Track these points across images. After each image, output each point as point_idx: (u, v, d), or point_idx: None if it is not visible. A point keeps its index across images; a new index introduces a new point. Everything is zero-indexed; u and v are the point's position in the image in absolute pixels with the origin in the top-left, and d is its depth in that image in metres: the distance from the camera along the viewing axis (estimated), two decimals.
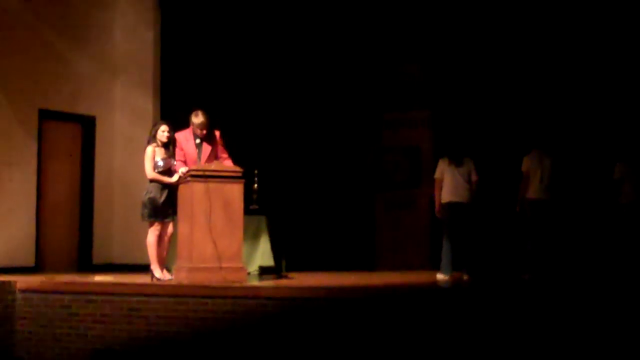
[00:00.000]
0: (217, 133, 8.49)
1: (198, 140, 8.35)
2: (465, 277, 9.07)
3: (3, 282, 8.04)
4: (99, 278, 8.92)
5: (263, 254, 9.70)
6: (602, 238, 10.23)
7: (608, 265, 9.66)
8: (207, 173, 7.85)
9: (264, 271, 9.44)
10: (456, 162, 9.26)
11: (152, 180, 8.20)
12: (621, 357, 6.16)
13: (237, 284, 7.60)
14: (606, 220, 9.91)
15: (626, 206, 9.40)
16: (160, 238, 8.23)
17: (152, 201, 8.13)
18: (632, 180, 9.41)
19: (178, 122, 8.53)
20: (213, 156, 8.37)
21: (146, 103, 11.29)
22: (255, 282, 8.42)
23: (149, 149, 8.26)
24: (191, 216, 7.79)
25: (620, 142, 10.01)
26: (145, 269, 8.52)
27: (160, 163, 8.21)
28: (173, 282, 7.98)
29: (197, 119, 8.28)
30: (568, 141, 10.71)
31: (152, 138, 8.34)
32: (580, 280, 8.94)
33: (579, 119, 11.02)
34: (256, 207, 9.99)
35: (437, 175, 9.37)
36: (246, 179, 8.23)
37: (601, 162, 10.21)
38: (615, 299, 6.62)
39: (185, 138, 8.38)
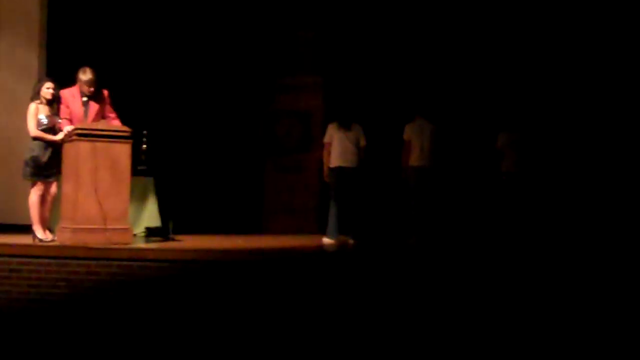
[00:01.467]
0: (106, 92, 8.31)
1: (85, 99, 8.15)
2: (350, 242, 9.22)
3: None
4: None
5: (150, 216, 9.58)
6: (484, 205, 10.60)
7: (490, 232, 10.03)
8: (93, 132, 7.71)
9: (150, 233, 9.34)
10: (345, 127, 9.36)
11: (35, 138, 7.97)
12: (502, 321, 6.41)
13: (122, 246, 7.52)
14: (488, 188, 10.27)
15: (507, 174, 9.77)
16: (43, 198, 8.03)
17: (34, 160, 7.91)
18: (513, 149, 9.77)
19: (65, 80, 8.30)
20: (100, 115, 8.21)
21: (31, 59, 10.86)
22: (141, 244, 8.35)
23: (32, 106, 8.03)
24: (76, 176, 7.64)
25: (503, 111, 10.35)
26: (27, 229, 8.30)
27: (44, 121, 7.98)
28: (56, 243, 7.81)
29: (85, 76, 8.08)
30: (451, 109, 11.05)
31: (36, 95, 8.09)
32: (462, 246, 9.22)
33: (463, 87, 11.36)
34: (144, 168, 9.86)
35: (326, 139, 9.46)
36: (135, 139, 8.13)
37: (485, 130, 10.54)
38: (495, 265, 6.88)
39: (72, 95, 8.16)
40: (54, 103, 8.13)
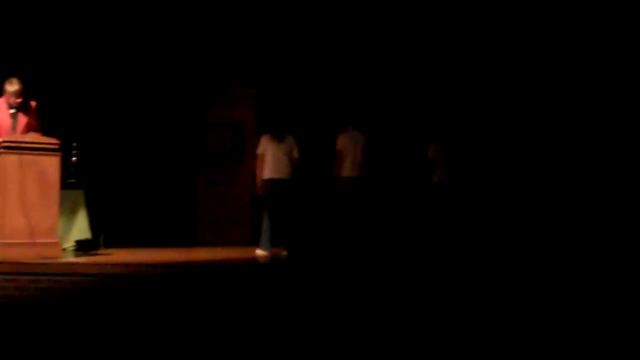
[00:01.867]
0: (33, 104, 8.18)
1: (13, 110, 8.02)
2: (284, 253, 9.24)
3: None
4: None
5: (80, 229, 9.43)
6: (415, 215, 10.75)
7: (421, 241, 10.17)
8: (21, 145, 7.59)
9: (80, 246, 9.21)
10: (278, 138, 9.38)
11: None
12: (434, 331, 6.50)
13: (51, 260, 7.40)
14: (419, 198, 10.42)
15: (438, 185, 9.93)
16: None
17: None
18: (444, 160, 9.95)
19: None
20: (29, 127, 8.07)
21: None
22: (70, 258, 8.22)
23: None
24: (3, 189, 7.49)
25: (435, 122, 10.53)
26: None
27: None
28: None
29: (12, 87, 7.96)
30: (383, 119, 11.20)
31: None
32: (394, 255, 9.32)
33: (395, 98, 11.54)
34: (74, 180, 9.71)
35: (259, 151, 9.46)
36: (64, 152, 8.03)
37: (416, 140, 10.69)
38: (427, 273, 6.97)
39: None
40: None
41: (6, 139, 7.66)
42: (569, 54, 11.09)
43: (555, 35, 11.15)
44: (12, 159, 7.50)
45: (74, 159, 9.78)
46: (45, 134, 8.02)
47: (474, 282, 6.52)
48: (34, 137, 7.82)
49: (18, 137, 7.78)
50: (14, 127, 8.00)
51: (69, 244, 9.26)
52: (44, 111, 8.34)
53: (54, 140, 7.82)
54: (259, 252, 9.24)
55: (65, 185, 8.57)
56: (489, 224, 10.78)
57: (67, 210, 9.25)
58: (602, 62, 10.93)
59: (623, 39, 10.82)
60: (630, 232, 9.96)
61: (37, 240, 7.49)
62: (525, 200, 10.94)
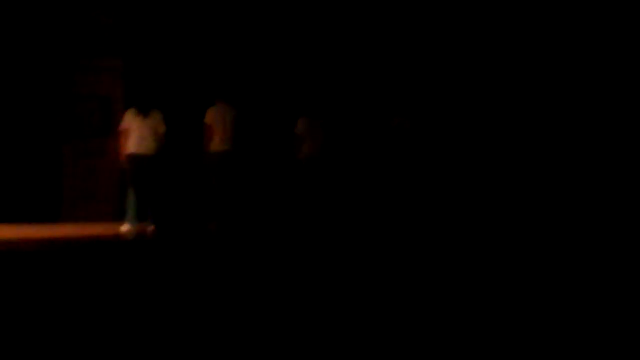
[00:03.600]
0: None
1: None
2: (150, 228, 9.14)
3: None
4: None
5: None
6: (283, 189, 10.82)
7: (288, 215, 10.26)
8: None
9: None
10: (143, 113, 9.22)
11: None
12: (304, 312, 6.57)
13: None
14: (287, 173, 10.49)
15: (303, 160, 10.01)
16: None
17: None
18: (311, 135, 10.03)
19: None
20: None
21: None
22: None
23: None
24: None
25: (303, 97, 10.59)
26: None
27: None
28: None
29: None
30: (252, 94, 11.20)
31: None
32: (263, 231, 9.37)
33: (263, 72, 11.53)
34: None
35: (122, 126, 9.28)
36: None
37: (285, 115, 10.74)
38: (296, 251, 7.05)
39: None
40: None
41: None
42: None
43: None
44: None
45: None
46: None
47: (339, 258, 6.64)
48: None
49: None
50: None
51: None
52: None
53: None
54: (125, 227, 9.11)
55: None
56: (353, 198, 11.00)
57: None
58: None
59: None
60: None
61: None
62: (387, 176, 11.21)
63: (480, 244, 7.75)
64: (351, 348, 3.30)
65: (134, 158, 9.14)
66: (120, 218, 9.96)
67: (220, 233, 8.94)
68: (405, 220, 10.07)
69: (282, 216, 10.48)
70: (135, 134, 9.14)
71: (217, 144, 9.61)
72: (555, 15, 11.13)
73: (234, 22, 11.59)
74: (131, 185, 9.21)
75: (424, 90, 11.44)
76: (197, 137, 9.93)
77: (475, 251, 7.11)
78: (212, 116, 9.63)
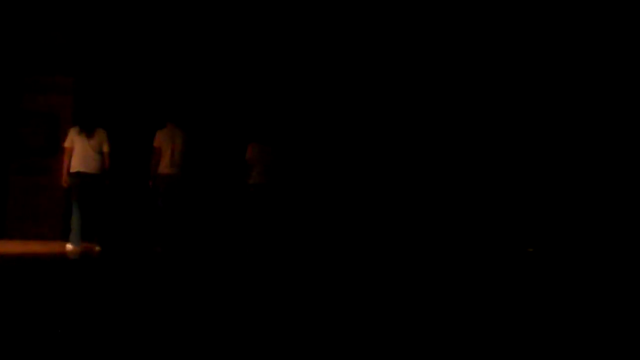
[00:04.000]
0: None
1: None
2: (97, 248, 9.07)
3: None
4: None
5: None
6: (230, 214, 10.84)
7: (235, 240, 10.27)
8: None
9: None
10: (87, 132, 9.16)
11: None
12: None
13: None
14: (236, 198, 10.52)
15: (254, 186, 10.05)
16: None
17: None
18: (260, 161, 10.08)
19: None
20: None
21: None
22: None
23: None
24: None
25: (253, 123, 10.65)
26: None
27: None
28: None
29: None
30: (203, 117, 11.24)
31: None
32: (208, 254, 9.36)
33: (214, 96, 11.59)
34: None
35: (66, 144, 9.21)
36: None
37: (235, 140, 10.79)
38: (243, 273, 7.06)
39: None
40: None
41: None
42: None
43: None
44: None
45: None
46: None
47: (285, 279, 6.68)
48: None
49: None
50: None
51: None
52: None
53: None
54: (70, 247, 9.03)
55: None
56: (302, 223, 11.08)
57: None
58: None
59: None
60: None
61: None
62: (338, 201, 11.33)
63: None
64: None
65: (78, 176, 9.07)
66: (65, 237, 9.85)
67: (165, 256, 8.91)
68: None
69: (229, 240, 10.48)
70: (79, 153, 9.07)
71: (165, 166, 9.59)
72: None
73: (186, 46, 11.64)
74: (75, 204, 9.14)
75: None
76: (145, 159, 9.91)
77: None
78: (161, 139, 9.62)
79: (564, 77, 11.50)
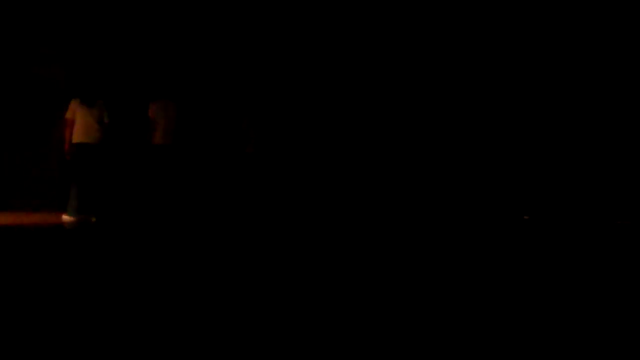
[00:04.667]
0: None
1: None
2: (92, 219, 9.10)
3: None
4: None
5: None
6: (230, 184, 10.89)
7: (236, 209, 10.35)
8: None
9: None
10: (88, 103, 9.18)
11: None
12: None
13: None
14: (235, 167, 10.57)
15: (251, 155, 10.11)
16: None
17: None
18: (256, 131, 10.12)
19: None
20: None
21: None
22: None
23: None
24: None
25: (250, 93, 10.67)
26: None
27: None
28: None
29: None
30: (197, 90, 11.24)
31: None
32: (204, 223, 9.40)
33: (209, 68, 11.57)
34: None
35: (68, 115, 9.24)
36: None
37: (229, 112, 10.82)
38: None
39: None
40: None
41: None
42: None
43: None
44: None
45: None
46: None
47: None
48: None
49: None
50: None
51: None
52: None
53: None
54: (66, 217, 9.08)
55: None
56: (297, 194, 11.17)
57: None
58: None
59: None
60: None
61: None
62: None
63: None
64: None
65: (80, 147, 9.10)
66: (60, 209, 9.89)
67: (159, 227, 8.94)
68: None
69: (227, 210, 10.53)
70: (81, 124, 9.10)
71: (160, 137, 9.64)
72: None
73: (179, 18, 11.58)
74: (75, 175, 9.16)
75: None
76: (139, 130, 9.95)
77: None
78: (155, 110, 9.68)
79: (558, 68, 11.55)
